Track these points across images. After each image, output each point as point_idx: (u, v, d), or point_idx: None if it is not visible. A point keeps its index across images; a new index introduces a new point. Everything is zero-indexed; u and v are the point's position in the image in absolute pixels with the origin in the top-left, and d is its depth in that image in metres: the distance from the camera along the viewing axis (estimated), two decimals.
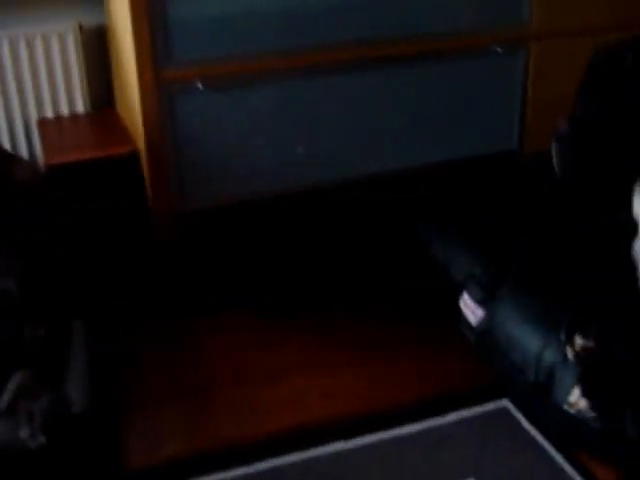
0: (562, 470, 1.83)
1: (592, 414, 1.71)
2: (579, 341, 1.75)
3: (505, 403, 2.01)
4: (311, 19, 2.42)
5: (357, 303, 2.42)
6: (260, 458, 1.83)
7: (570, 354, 1.75)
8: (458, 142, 2.68)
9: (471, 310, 2.09)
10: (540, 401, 1.86)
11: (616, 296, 1.86)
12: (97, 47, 2.65)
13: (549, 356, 1.83)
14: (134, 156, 2.36)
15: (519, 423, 1.95)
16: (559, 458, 1.85)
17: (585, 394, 1.71)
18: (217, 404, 2.02)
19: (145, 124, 2.32)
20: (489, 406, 2.00)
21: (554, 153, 1.74)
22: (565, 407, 1.75)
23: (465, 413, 1.98)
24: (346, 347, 2.23)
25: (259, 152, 2.47)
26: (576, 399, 1.73)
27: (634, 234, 1.86)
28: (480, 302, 2.07)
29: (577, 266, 1.99)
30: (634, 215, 1.84)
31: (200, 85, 2.34)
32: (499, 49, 2.62)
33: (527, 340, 1.89)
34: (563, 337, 1.78)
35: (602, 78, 1.75)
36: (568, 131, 1.67)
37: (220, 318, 2.35)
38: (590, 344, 1.73)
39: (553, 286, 1.97)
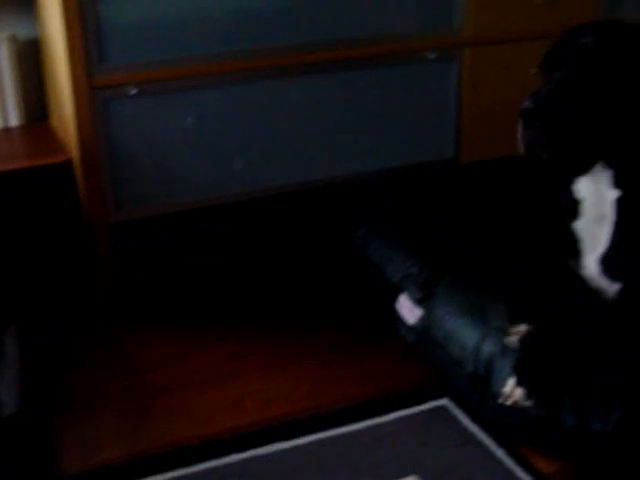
0: (503, 463, 1.81)
1: (528, 403, 1.71)
2: (523, 327, 1.75)
3: (445, 402, 2.00)
4: (247, 24, 2.41)
5: (293, 309, 2.41)
6: (197, 460, 1.79)
7: (510, 340, 1.76)
8: (393, 150, 2.69)
9: (409, 310, 2.09)
10: (479, 394, 1.86)
11: (554, 281, 1.87)
12: (31, 60, 2.62)
13: (488, 347, 1.84)
14: (67, 165, 2.33)
15: (459, 420, 1.94)
16: (500, 452, 1.84)
17: (520, 383, 1.71)
18: (155, 409, 1.99)
19: (78, 131, 2.28)
20: (429, 405, 1.99)
21: (519, 129, 1.75)
22: (500, 400, 1.75)
23: (405, 412, 1.97)
24: (284, 351, 2.21)
25: (196, 159, 2.45)
26: (511, 389, 1.73)
27: (574, 216, 1.86)
28: (418, 301, 2.08)
29: (513, 257, 2.01)
30: (577, 197, 1.85)
31: (134, 90, 2.32)
32: (432, 55, 2.64)
33: (465, 333, 1.91)
34: (503, 324, 1.79)
35: (563, 58, 1.76)
36: (532, 107, 1.69)
37: (158, 325, 2.32)
38: (532, 329, 1.74)
39: (489, 279, 1.98)
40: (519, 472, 1.79)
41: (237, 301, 2.44)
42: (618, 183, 1.80)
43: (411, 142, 2.71)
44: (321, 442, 1.87)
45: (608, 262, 1.83)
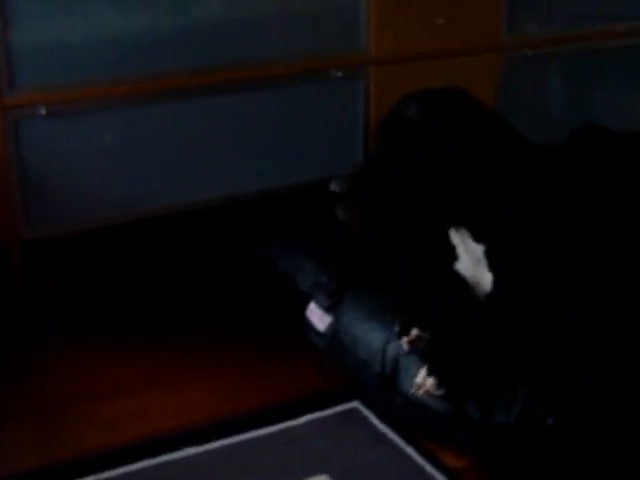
0: (412, 460, 1.86)
1: (439, 392, 1.77)
2: (414, 332, 1.82)
3: (356, 404, 2.04)
4: (154, 47, 2.45)
5: (208, 320, 2.43)
6: (111, 467, 1.80)
7: (404, 343, 1.82)
8: (305, 165, 2.74)
9: (319, 317, 2.15)
10: (387, 394, 1.92)
11: (445, 295, 1.95)
12: None
13: (393, 347, 1.91)
14: None
15: (369, 421, 1.99)
16: (409, 449, 1.89)
17: (431, 373, 1.77)
18: (68, 419, 1.99)
19: None
20: (340, 408, 2.03)
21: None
22: (412, 391, 1.81)
23: (317, 415, 2.00)
24: (198, 360, 2.24)
25: (105, 178, 2.47)
26: (422, 379, 1.79)
27: (454, 257, 1.96)
28: (327, 309, 2.14)
29: (410, 270, 2.08)
30: (452, 243, 1.94)
31: (43, 111, 2.34)
32: (339, 74, 2.71)
33: (371, 336, 1.97)
34: (399, 329, 1.85)
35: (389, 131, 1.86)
36: (340, 189, 1.77)
37: (72, 337, 2.33)
38: (424, 334, 1.81)
39: (391, 288, 2.07)
40: (428, 468, 1.84)
41: (152, 313, 2.46)
42: (478, 239, 1.89)
43: (321, 157, 2.77)
44: (234, 446, 1.90)
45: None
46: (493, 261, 1.90)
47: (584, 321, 1.88)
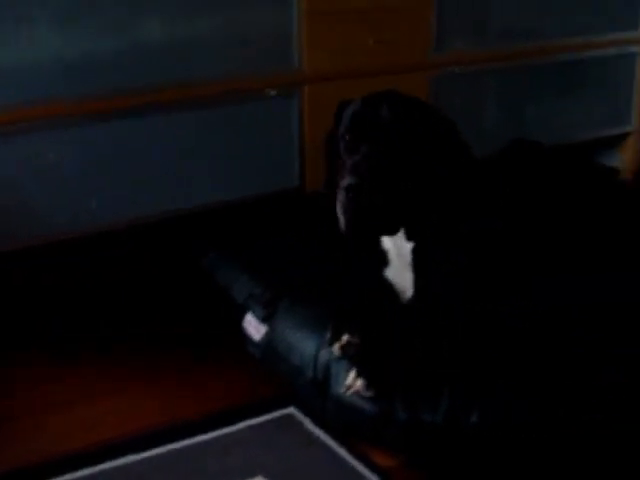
0: (345, 461, 1.93)
1: (368, 393, 1.85)
2: (345, 337, 1.90)
3: (291, 410, 2.11)
4: (91, 67, 2.49)
5: (149, 333, 2.49)
6: (52, 475, 1.85)
7: (336, 349, 1.90)
8: (242, 182, 2.81)
9: (254, 328, 2.22)
10: (320, 398, 1.99)
11: (377, 303, 2.03)
12: None
13: (324, 354, 1.99)
14: None
15: (304, 425, 2.06)
16: (342, 451, 1.96)
17: (360, 374, 1.85)
18: (8, 434, 2.03)
19: None
20: (276, 414, 2.10)
21: (341, 205, 1.88)
22: (342, 391, 1.88)
23: (253, 422, 2.07)
24: (140, 372, 2.30)
25: (48, 196, 2.51)
26: (352, 381, 1.86)
27: (385, 263, 2.03)
28: (262, 319, 2.21)
29: (343, 278, 2.16)
30: (384, 249, 2.01)
31: None
32: (273, 92, 2.79)
33: (304, 344, 2.05)
34: (330, 335, 1.93)
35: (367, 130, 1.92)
36: (358, 182, 1.82)
37: (17, 351, 2.37)
38: (354, 339, 1.89)
39: (323, 297, 2.15)
40: (360, 468, 1.92)
41: (93, 327, 2.52)
42: (409, 237, 1.97)
43: (259, 174, 2.84)
44: (174, 452, 1.96)
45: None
46: (417, 260, 1.97)
47: (504, 322, 1.97)
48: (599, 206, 2.51)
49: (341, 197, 1.80)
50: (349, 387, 1.87)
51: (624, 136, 3.65)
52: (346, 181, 1.79)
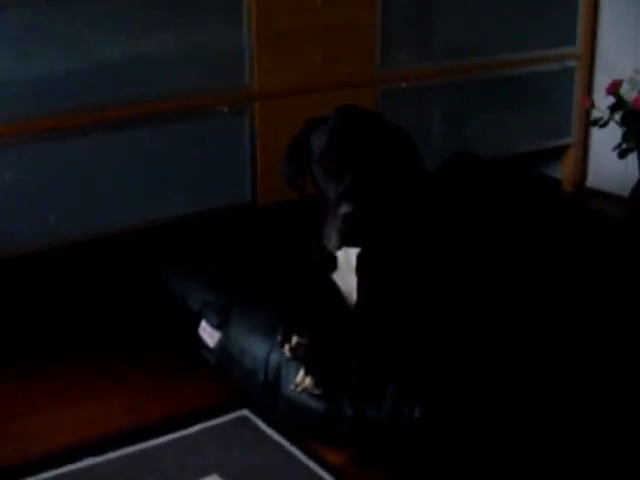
0: (296, 458, 2.02)
1: (317, 391, 1.94)
2: (294, 339, 1.99)
3: (245, 412, 2.20)
4: (48, 85, 2.57)
5: (107, 342, 2.58)
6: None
7: (286, 350, 1.99)
8: (197, 196, 2.89)
9: (209, 334, 2.31)
10: (272, 399, 2.08)
11: (324, 306, 2.13)
12: None
13: (275, 357, 2.08)
14: None
15: (257, 426, 2.14)
16: (294, 449, 2.05)
17: (309, 372, 1.95)
18: None
19: None
20: (231, 416, 2.18)
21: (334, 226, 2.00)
22: (292, 389, 1.97)
23: (209, 424, 2.15)
24: (101, 379, 2.38)
25: (9, 212, 2.58)
26: (301, 379, 1.95)
27: (334, 268, 2.13)
28: (216, 326, 2.29)
29: (292, 286, 2.27)
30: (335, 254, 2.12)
31: None
32: (225, 109, 2.89)
33: (256, 347, 2.14)
34: (281, 338, 2.02)
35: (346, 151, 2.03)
36: (353, 209, 1.95)
37: None
38: (303, 340, 1.98)
39: (273, 303, 2.24)
40: (312, 465, 2.00)
41: (56, 334, 2.61)
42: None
43: (212, 189, 2.92)
44: (132, 455, 2.03)
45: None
46: (360, 266, 2.07)
47: (449, 322, 2.07)
48: (540, 217, 2.61)
49: (336, 223, 1.95)
50: (298, 385, 1.96)
51: (564, 148, 3.79)
52: (343, 209, 1.93)
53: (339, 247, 1.99)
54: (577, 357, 2.09)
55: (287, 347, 2.00)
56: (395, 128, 2.09)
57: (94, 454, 2.03)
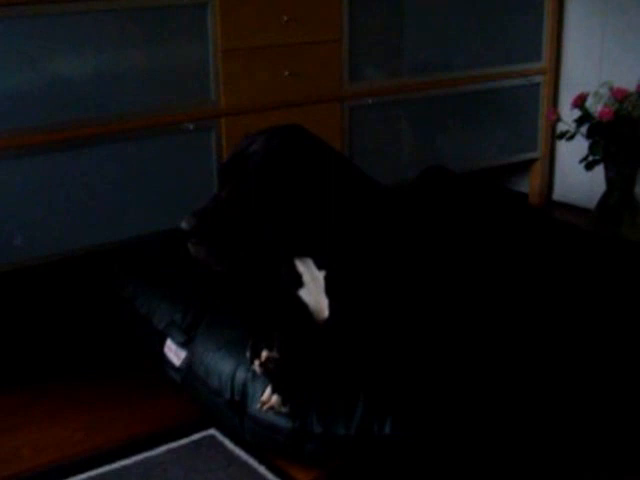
0: (264, 478, 2.00)
1: (284, 409, 1.91)
2: (264, 354, 1.96)
3: (212, 432, 2.17)
4: (17, 103, 2.55)
5: (69, 364, 2.54)
6: None
7: (256, 366, 1.96)
8: (163, 214, 2.86)
9: (174, 353, 2.28)
10: (239, 418, 2.05)
11: (292, 322, 2.10)
12: None
13: (240, 374, 2.05)
14: None
15: (225, 446, 2.12)
16: (261, 468, 2.03)
17: (275, 390, 1.92)
18: None
19: None
20: (197, 436, 2.15)
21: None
22: (258, 407, 1.94)
23: (174, 445, 2.12)
24: (61, 403, 2.34)
25: None
26: (267, 397, 1.93)
27: (300, 285, 2.11)
28: (182, 344, 2.26)
29: (259, 299, 2.23)
30: (298, 271, 2.10)
31: None
32: (191, 126, 2.87)
33: (222, 365, 2.11)
34: (249, 354, 1.99)
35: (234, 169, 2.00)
36: (190, 226, 1.91)
37: None
38: (273, 354, 1.95)
39: (240, 320, 2.21)
40: None
41: (17, 357, 2.56)
42: (320, 266, 2.06)
43: (178, 206, 2.87)
44: (96, 478, 2.00)
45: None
46: (330, 287, 2.06)
47: (416, 339, 2.06)
48: (507, 230, 2.62)
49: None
50: (264, 403, 1.94)
51: (531, 162, 3.81)
52: (185, 224, 1.94)
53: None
54: (544, 368, 2.08)
55: (257, 362, 1.97)
56: (323, 150, 2.04)
57: (57, 479, 1.98)
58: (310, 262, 2.07)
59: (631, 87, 3.38)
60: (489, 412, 1.98)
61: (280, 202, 1.95)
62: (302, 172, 1.96)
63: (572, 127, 3.44)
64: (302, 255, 2.07)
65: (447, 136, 3.53)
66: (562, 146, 3.77)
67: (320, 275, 2.07)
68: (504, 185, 3.93)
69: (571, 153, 3.62)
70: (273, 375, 1.95)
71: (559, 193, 3.94)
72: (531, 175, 3.86)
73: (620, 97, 3.34)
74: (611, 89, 3.37)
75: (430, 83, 3.40)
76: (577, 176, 3.60)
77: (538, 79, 3.68)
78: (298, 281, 2.12)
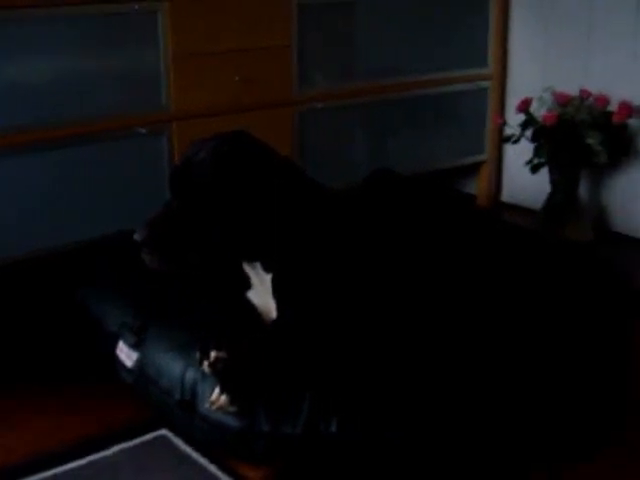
0: (215, 476, 2.05)
1: (233, 409, 1.96)
2: (213, 354, 2.00)
3: (164, 432, 2.21)
4: None
5: (22, 367, 2.57)
6: None
7: (206, 366, 2.01)
8: (114, 218, 2.88)
9: (126, 355, 2.31)
10: (189, 418, 2.09)
11: (240, 322, 2.16)
12: None
13: (190, 375, 2.09)
14: None
15: (176, 446, 2.16)
16: (212, 467, 2.07)
17: (224, 390, 1.96)
18: None
19: None
20: (148, 436, 2.19)
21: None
22: (207, 407, 1.98)
23: (126, 445, 2.16)
24: (13, 405, 2.37)
25: None
26: (216, 397, 1.97)
27: (248, 286, 2.17)
28: (133, 346, 2.30)
29: (208, 301, 2.29)
30: (246, 274, 2.15)
31: None
32: (143, 130, 2.90)
33: (172, 366, 2.14)
34: (198, 355, 2.04)
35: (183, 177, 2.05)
36: (142, 237, 1.97)
37: None
38: (222, 354, 2.00)
39: (190, 321, 2.25)
40: None
41: None
42: (267, 269, 2.11)
43: (130, 210, 2.92)
44: (48, 479, 2.03)
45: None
46: (277, 289, 2.11)
47: (362, 340, 2.11)
48: (454, 232, 2.67)
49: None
50: (213, 403, 1.98)
51: (479, 164, 3.89)
52: (137, 235, 1.99)
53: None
54: (490, 365, 2.15)
55: (206, 363, 2.01)
56: (268, 156, 2.09)
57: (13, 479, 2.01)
58: (258, 265, 2.12)
59: (574, 92, 3.48)
60: (433, 411, 2.03)
61: (227, 208, 2.00)
62: (248, 178, 2.01)
63: (518, 131, 3.53)
64: (250, 259, 2.13)
65: (397, 140, 3.60)
66: (509, 149, 3.86)
67: (267, 278, 2.12)
68: (453, 187, 4.02)
69: (518, 156, 3.70)
70: (222, 375, 1.99)
71: (507, 195, 4.03)
72: (479, 177, 3.94)
73: (563, 102, 3.44)
74: (554, 94, 3.47)
75: (380, 88, 3.46)
76: (524, 178, 3.68)
77: (485, 84, 3.76)
78: (246, 283, 2.17)
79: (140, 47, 2.88)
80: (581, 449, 2.19)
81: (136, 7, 2.81)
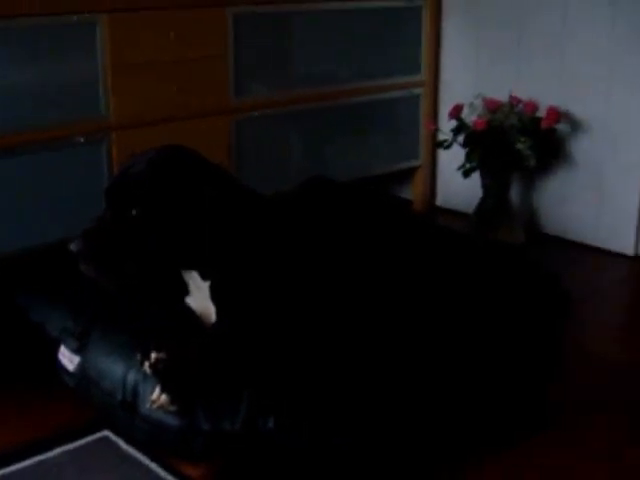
0: (157, 475, 2.10)
1: (173, 408, 2.02)
2: (153, 355, 2.06)
3: (106, 433, 2.26)
4: None
5: None
6: None
7: (147, 367, 2.06)
8: (53, 227, 2.91)
9: (68, 359, 2.34)
10: (130, 418, 2.14)
11: (176, 323, 2.22)
12: None
13: (132, 376, 2.13)
14: None
15: (118, 446, 2.21)
16: (153, 465, 2.13)
17: (164, 390, 2.02)
18: None
19: None
20: (91, 438, 2.24)
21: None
22: (148, 406, 2.04)
23: (69, 447, 2.21)
24: None
25: None
26: (157, 396, 2.03)
27: (186, 292, 2.24)
28: (75, 350, 2.34)
29: (148, 306, 2.35)
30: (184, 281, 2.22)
31: None
32: (81, 139, 2.95)
33: (114, 368, 2.19)
34: (139, 356, 2.09)
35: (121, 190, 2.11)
36: (78, 248, 2.03)
37: None
38: (162, 355, 2.06)
39: (131, 325, 2.30)
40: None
41: None
42: (204, 277, 2.18)
43: (68, 218, 2.94)
44: None
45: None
46: (215, 294, 2.18)
47: (297, 340, 2.19)
48: (390, 237, 2.74)
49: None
50: (154, 402, 2.03)
51: (414, 170, 4.00)
52: (73, 246, 2.05)
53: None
54: (421, 366, 2.23)
55: (147, 364, 2.06)
56: (204, 167, 2.15)
57: None
58: (195, 274, 2.19)
59: (503, 98, 3.60)
60: (366, 411, 2.11)
61: (162, 218, 2.07)
62: (182, 188, 2.08)
63: (450, 136, 3.64)
64: (186, 267, 2.19)
65: (333, 147, 3.69)
66: (443, 154, 3.97)
67: (205, 285, 2.19)
68: (389, 192, 4.11)
69: (452, 161, 3.80)
70: (162, 375, 2.04)
71: (442, 199, 4.13)
72: (414, 182, 4.05)
73: (492, 108, 3.55)
74: (484, 100, 3.58)
75: (315, 96, 3.55)
76: (457, 183, 3.79)
77: (418, 91, 3.87)
78: (184, 289, 2.23)
79: (79, 58, 2.93)
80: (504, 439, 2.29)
81: (75, 19, 2.86)
